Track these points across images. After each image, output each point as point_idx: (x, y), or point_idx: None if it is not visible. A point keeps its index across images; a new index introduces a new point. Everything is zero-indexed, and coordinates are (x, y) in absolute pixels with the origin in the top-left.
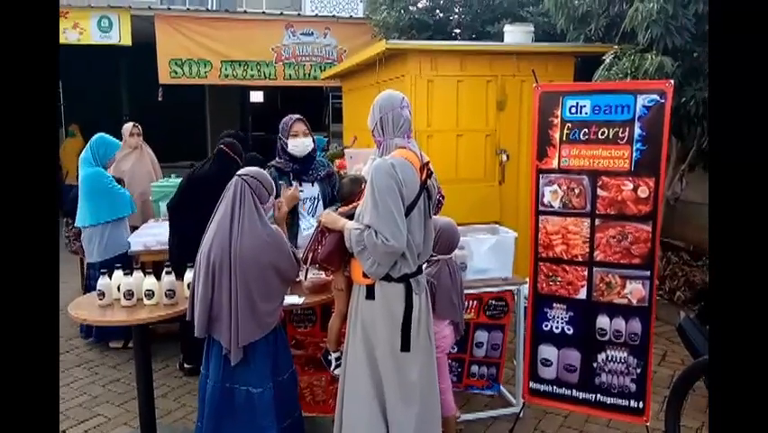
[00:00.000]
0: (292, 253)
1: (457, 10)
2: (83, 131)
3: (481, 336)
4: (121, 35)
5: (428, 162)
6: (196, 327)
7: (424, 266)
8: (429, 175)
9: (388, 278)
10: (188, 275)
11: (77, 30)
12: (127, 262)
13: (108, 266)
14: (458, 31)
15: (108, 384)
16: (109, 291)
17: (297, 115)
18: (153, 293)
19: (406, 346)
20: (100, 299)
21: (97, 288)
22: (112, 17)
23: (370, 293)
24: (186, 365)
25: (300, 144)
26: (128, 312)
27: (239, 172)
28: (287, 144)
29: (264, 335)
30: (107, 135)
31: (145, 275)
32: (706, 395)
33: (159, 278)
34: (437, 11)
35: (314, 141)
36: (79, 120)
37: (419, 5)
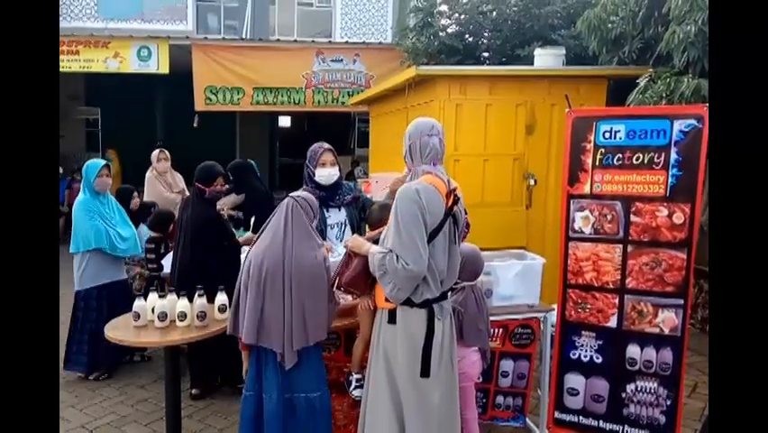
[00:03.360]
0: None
1: (486, 34)
2: (120, 156)
3: (507, 365)
4: (159, 64)
5: (455, 189)
6: (244, 334)
7: (449, 293)
8: (455, 201)
9: (409, 303)
10: (220, 297)
11: (118, 59)
12: (101, 295)
13: (87, 297)
14: (487, 54)
15: (136, 404)
16: (144, 313)
17: (327, 145)
18: (186, 315)
19: (425, 372)
20: (135, 321)
21: (133, 309)
22: (151, 47)
23: (392, 318)
24: (193, 391)
25: (327, 175)
26: (161, 333)
27: (291, 194)
28: (314, 173)
29: (315, 342)
30: (91, 160)
31: (179, 298)
32: None
33: (191, 300)
34: (466, 35)
35: (340, 169)
36: (116, 145)
37: (448, 31)
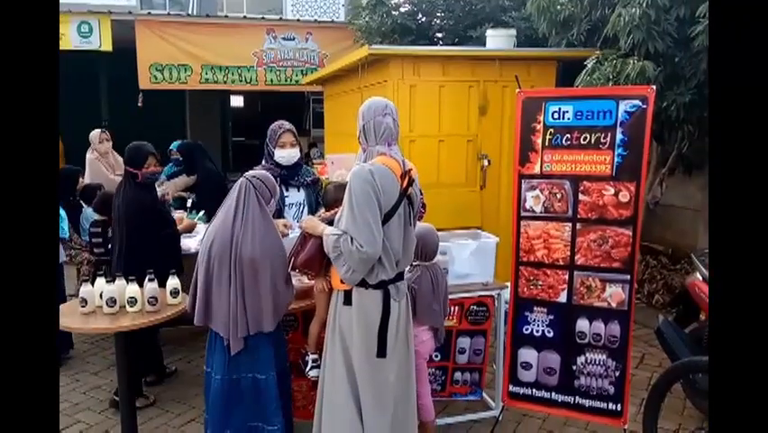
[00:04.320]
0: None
1: (439, 14)
2: (63, 137)
3: (464, 342)
4: (101, 41)
5: (410, 170)
6: (195, 315)
7: (406, 271)
8: (410, 183)
9: (364, 284)
10: (172, 282)
11: None
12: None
13: None
14: (440, 35)
15: (89, 391)
16: (91, 299)
17: (287, 126)
18: (136, 300)
19: (382, 352)
20: (82, 307)
21: (80, 295)
22: (92, 22)
23: (348, 299)
24: (147, 379)
25: (287, 155)
26: (110, 319)
27: (245, 174)
28: (273, 153)
29: (261, 330)
30: None
31: (128, 282)
32: (683, 397)
33: (141, 285)
34: (419, 15)
35: (301, 150)
36: (59, 125)
37: (401, 10)
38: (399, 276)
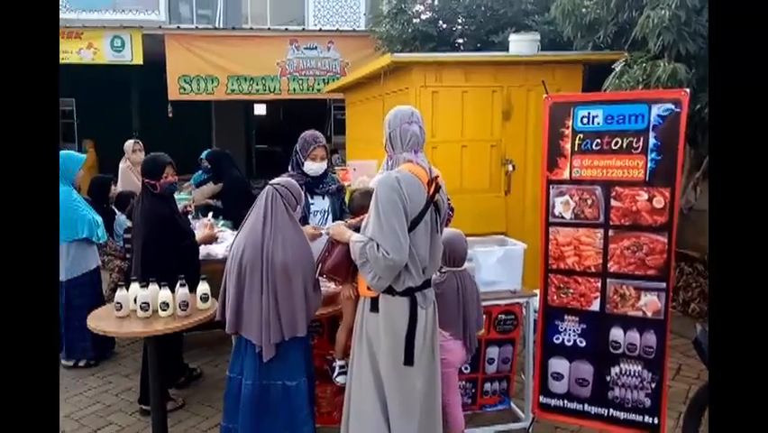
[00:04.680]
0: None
1: (460, 20)
2: (97, 147)
3: (492, 351)
4: (133, 54)
5: (437, 177)
6: (227, 324)
7: (433, 278)
8: (437, 190)
9: (391, 291)
10: (202, 287)
11: (92, 50)
12: (93, 281)
13: (74, 285)
14: (462, 41)
15: (121, 393)
16: (126, 303)
17: (322, 140)
18: (168, 305)
19: (409, 360)
20: (117, 311)
21: (115, 299)
22: (124, 37)
23: (375, 306)
24: (143, 406)
25: (316, 168)
26: (144, 324)
27: (271, 181)
28: (303, 163)
29: (294, 336)
30: (71, 152)
31: (160, 288)
32: None
33: (173, 290)
34: (440, 22)
35: (329, 161)
36: (92, 136)
37: (422, 17)
38: (426, 283)
